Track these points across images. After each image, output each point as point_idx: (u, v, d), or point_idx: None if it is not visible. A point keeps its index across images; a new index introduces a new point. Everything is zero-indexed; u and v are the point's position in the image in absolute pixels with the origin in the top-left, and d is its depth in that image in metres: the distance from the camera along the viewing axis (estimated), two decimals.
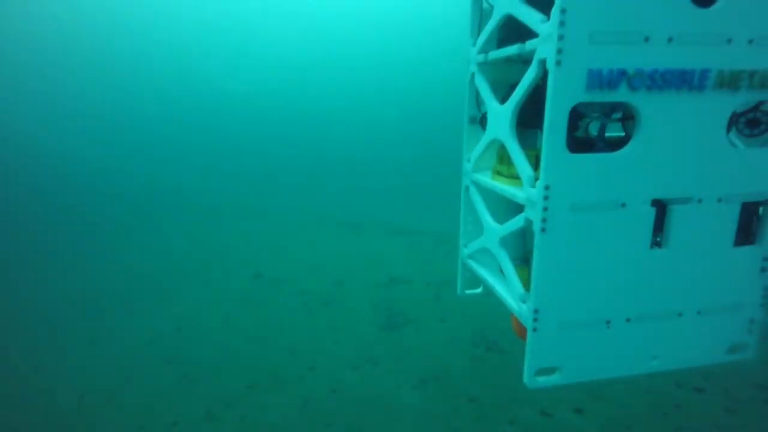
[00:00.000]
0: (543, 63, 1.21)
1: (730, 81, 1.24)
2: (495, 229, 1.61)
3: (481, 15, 1.70)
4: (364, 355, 4.41)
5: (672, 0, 1.17)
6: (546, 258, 1.30)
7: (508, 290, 1.62)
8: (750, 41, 1.23)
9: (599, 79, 1.18)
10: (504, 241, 1.59)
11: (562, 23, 1.12)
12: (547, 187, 1.25)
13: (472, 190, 1.82)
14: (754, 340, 1.52)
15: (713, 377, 3.74)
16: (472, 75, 1.74)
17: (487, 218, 1.69)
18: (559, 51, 1.14)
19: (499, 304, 1.72)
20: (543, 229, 1.28)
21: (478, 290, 2.07)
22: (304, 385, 4.00)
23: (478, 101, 1.79)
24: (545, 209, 1.26)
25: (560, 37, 1.13)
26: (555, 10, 1.13)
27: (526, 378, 1.41)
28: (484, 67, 1.67)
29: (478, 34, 1.67)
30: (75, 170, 14.41)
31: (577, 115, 1.50)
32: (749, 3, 1.20)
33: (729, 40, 1.22)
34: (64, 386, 4.14)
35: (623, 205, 1.30)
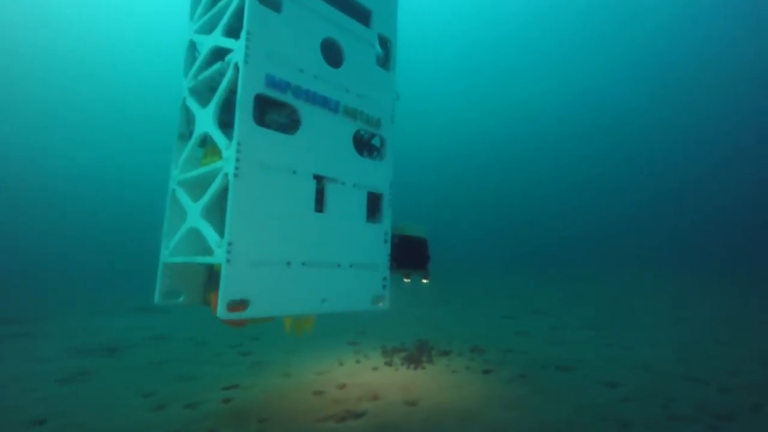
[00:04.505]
0: (236, 66, 1.73)
1: (350, 112, 2.06)
2: (197, 206, 1.84)
3: (193, 57, 2.20)
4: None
5: (314, 57, 1.94)
6: (238, 200, 1.63)
7: (207, 251, 1.80)
8: (358, 95, 2.12)
9: (273, 82, 1.77)
10: (203, 214, 1.82)
11: (248, 42, 1.71)
12: (239, 144, 1.66)
13: (178, 190, 2.04)
14: (387, 295, 2.15)
15: None
16: (184, 99, 2.13)
17: (190, 202, 1.91)
18: (246, 55, 1.70)
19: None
20: (236, 175, 1.63)
21: (179, 300, 2.10)
22: None
23: (188, 120, 2.16)
24: (238, 160, 1.65)
25: (247, 47, 1.70)
26: (243, 32, 1.72)
27: (219, 311, 1.55)
28: (194, 88, 2.10)
29: (189, 69, 2.14)
30: None
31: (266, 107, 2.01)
32: (356, 73, 2.11)
33: (347, 90, 2.07)
34: None
35: (294, 172, 1.82)
